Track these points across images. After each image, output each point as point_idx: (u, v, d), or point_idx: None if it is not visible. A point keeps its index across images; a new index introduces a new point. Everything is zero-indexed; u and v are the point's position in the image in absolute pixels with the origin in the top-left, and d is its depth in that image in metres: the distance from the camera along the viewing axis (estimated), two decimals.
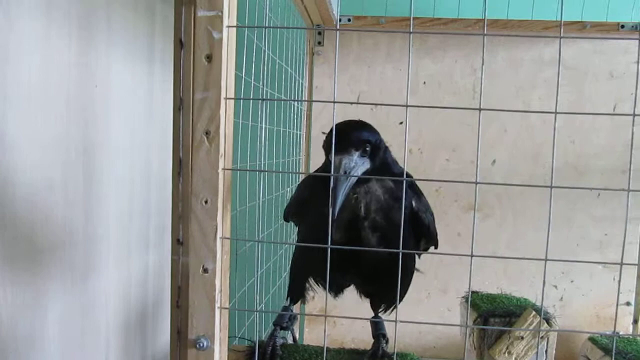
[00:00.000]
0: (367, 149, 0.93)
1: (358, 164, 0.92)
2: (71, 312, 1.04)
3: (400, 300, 1.01)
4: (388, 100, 2.25)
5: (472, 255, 0.73)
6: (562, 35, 0.71)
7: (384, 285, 1.05)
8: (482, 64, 0.71)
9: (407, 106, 0.71)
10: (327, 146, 0.97)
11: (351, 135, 0.92)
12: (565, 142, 2.20)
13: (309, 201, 1.04)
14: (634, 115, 0.70)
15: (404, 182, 0.82)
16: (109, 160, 1.14)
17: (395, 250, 0.75)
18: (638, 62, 0.75)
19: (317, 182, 1.05)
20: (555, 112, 0.71)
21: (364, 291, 1.10)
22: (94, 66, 1.07)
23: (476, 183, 0.72)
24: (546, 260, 0.74)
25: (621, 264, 0.70)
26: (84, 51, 1.03)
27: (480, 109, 0.71)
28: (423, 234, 1.07)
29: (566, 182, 2.17)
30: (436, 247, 1.15)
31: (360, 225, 0.95)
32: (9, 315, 0.87)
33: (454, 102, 2.22)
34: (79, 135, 1.04)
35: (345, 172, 0.87)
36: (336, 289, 1.10)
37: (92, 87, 1.08)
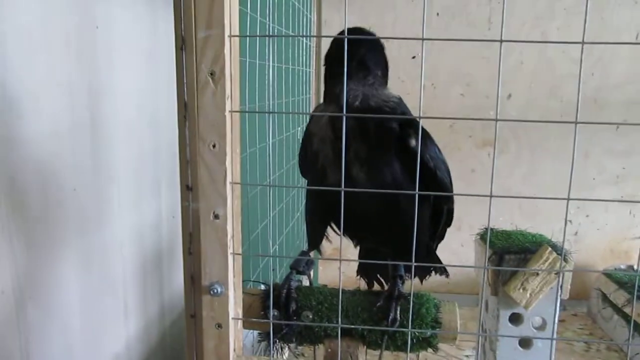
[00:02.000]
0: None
1: None
2: (87, 259, 1.04)
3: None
4: (400, 34, 2.17)
5: (491, 196, 0.70)
6: None
7: (387, 238, 0.98)
8: None
9: (422, 39, 0.67)
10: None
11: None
12: (584, 75, 2.12)
13: (311, 143, 0.98)
14: None
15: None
16: (115, 103, 1.11)
17: (407, 192, 0.73)
18: None
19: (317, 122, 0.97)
20: (583, 42, 0.66)
21: (378, 250, 1.05)
22: (93, 6, 1.02)
23: (496, 120, 0.68)
24: (568, 199, 0.71)
25: None
26: None
27: (501, 41, 0.66)
28: (430, 182, 0.93)
29: (585, 116, 2.11)
30: (449, 203, 1.06)
31: (347, 159, 0.87)
32: (25, 265, 0.87)
33: (469, 33, 2.14)
34: (83, 79, 1.01)
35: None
36: (357, 241, 1.06)
37: (93, 28, 1.03)
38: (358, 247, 1.15)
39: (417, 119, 0.74)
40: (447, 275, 1.21)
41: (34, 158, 0.88)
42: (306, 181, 1.08)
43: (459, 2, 2.14)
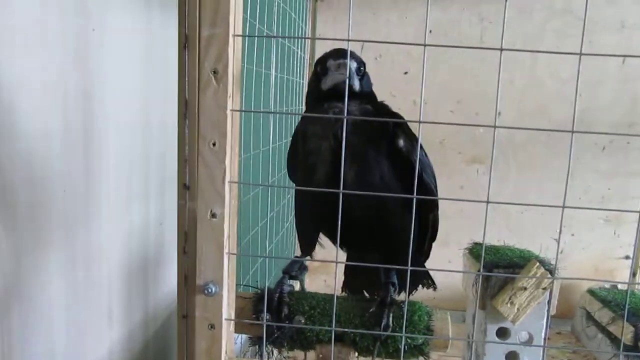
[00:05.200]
0: (362, 68, 0.91)
1: (356, 74, 0.90)
2: (73, 262, 1.03)
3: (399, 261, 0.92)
4: (393, 49, 2.19)
5: (487, 202, 0.71)
6: None
7: (376, 241, 0.98)
8: (506, 2, 0.67)
9: (425, 45, 0.68)
10: (321, 67, 0.93)
11: (349, 52, 0.90)
12: (572, 95, 2.16)
13: (300, 144, 0.99)
14: None
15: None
16: (108, 105, 1.11)
17: (408, 196, 0.73)
18: None
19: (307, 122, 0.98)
20: (580, 54, 0.68)
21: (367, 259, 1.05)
22: (90, 8, 1.02)
23: (495, 127, 0.69)
24: (563, 207, 0.72)
25: None
26: None
27: (501, 49, 0.68)
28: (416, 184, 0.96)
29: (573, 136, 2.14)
30: (435, 210, 1.07)
31: (338, 157, 0.89)
32: (11, 266, 0.86)
33: (461, 51, 2.17)
34: (77, 81, 1.00)
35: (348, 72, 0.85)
36: (347, 247, 1.06)
37: (90, 30, 1.03)
38: (346, 258, 1.14)
39: (418, 122, 0.75)
40: (435, 288, 1.22)
41: (24, 157, 0.87)
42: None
43: (452, 21, 2.18)
